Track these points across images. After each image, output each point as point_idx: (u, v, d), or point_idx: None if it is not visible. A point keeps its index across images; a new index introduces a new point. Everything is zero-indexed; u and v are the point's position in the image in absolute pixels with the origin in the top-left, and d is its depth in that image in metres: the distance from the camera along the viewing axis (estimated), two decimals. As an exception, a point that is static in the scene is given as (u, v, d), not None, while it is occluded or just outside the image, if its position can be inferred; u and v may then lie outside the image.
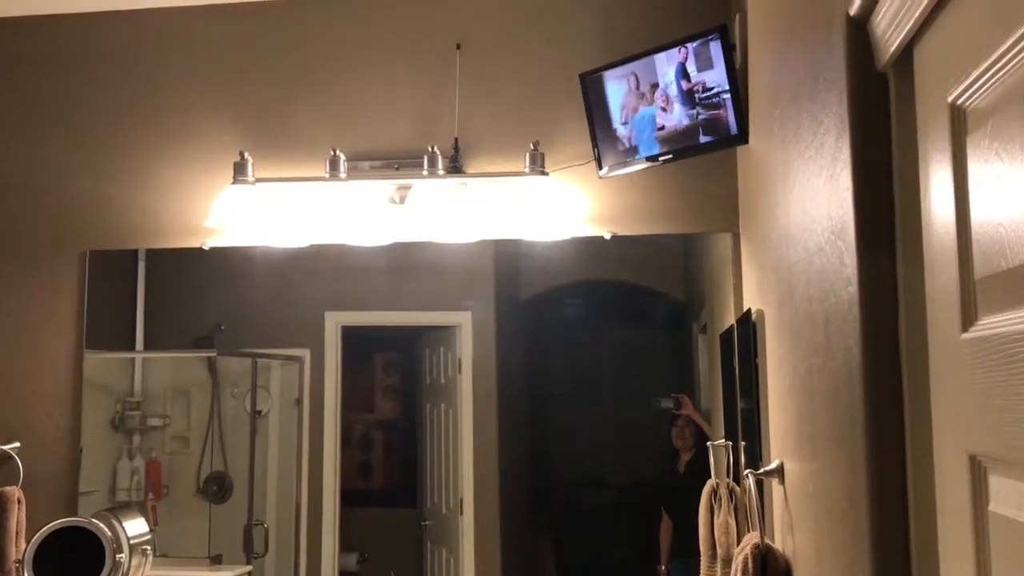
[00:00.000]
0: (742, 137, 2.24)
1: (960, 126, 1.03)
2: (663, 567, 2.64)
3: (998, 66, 0.92)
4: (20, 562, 2.49)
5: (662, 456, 2.74)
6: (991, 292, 0.97)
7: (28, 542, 2.52)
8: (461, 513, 2.73)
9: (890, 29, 1.17)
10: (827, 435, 1.47)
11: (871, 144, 1.23)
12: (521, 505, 2.82)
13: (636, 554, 2.72)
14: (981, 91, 0.97)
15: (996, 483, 0.98)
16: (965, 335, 1.03)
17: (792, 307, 1.73)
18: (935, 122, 1.10)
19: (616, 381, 2.86)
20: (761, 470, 2.01)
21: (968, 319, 1.02)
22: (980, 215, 0.99)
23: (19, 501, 2.62)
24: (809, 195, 1.55)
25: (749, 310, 2.26)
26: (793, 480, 1.81)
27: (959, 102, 1.03)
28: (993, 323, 0.96)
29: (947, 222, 1.06)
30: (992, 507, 0.99)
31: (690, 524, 2.47)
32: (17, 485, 2.65)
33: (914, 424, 1.17)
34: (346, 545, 2.76)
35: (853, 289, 1.26)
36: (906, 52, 1.17)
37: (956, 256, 1.04)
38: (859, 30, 1.26)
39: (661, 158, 2.37)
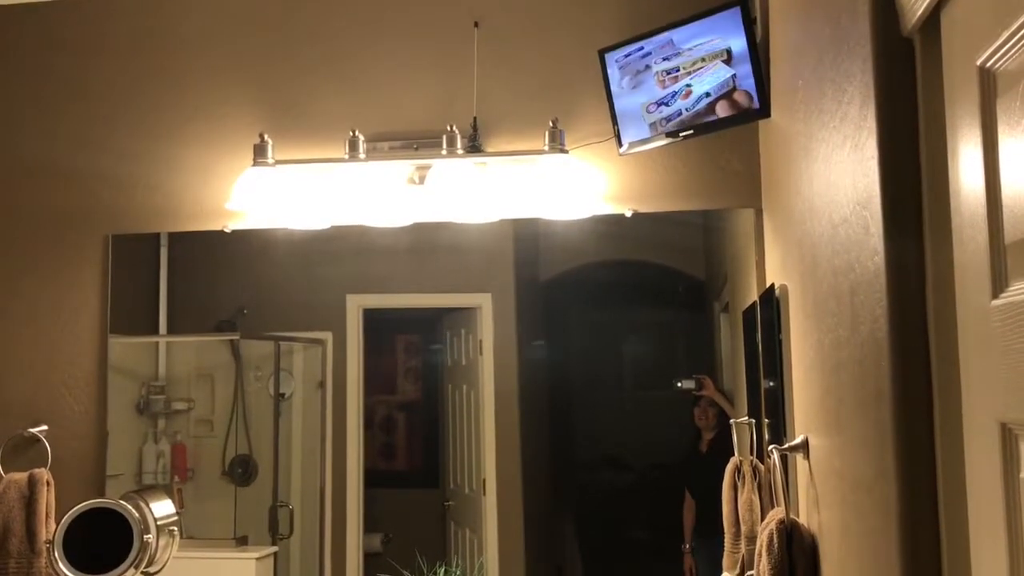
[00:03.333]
0: (764, 111, 2.21)
1: (990, 89, 1.01)
2: (687, 546, 2.64)
3: (1029, 25, 0.90)
4: (50, 543, 2.52)
5: (684, 436, 2.73)
6: (1023, 257, 0.96)
7: (57, 523, 2.55)
8: (484, 493, 2.74)
9: (916, -7, 1.15)
10: (853, 407, 1.45)
11: (897, 110, 1.21)
12: (544, 485, 2.82)
13: (659, 534, 2.72)
14: (1012, 52, 0.96)
15: (1028, 450, 0.97)
16: (995, 301, 1.01)
17: (816, 280, 1.72)
18: (963, 86, 1.08)
19: (637, 361, 2.85)
20: (786, 445, 2.00)
21: (999, 285, 1.01)
22: (1011, 178, 0.97)
23: (48, 483, 2.64)
24: (833, 166, 1.53)
25: (772, 285, 2.24)
26: (818, 455, 1.80)
27: (988, 64, 1.01)
28: (1024, 288, 0.95)
29: (976, 186, 1.04)
30: (1024, 475, 0.98)
31: (713, 504, 2.47)
32: (46, 467, 2.68)
33: (942, 393, 1.16)
34: (370, 526, 2.77)
35: (879, 259, 1.25)
36: (933, 16, 1.15)
37: (986, 221, 1.02)
38: (884, -5, 1.24)
39: (682, 134, 2.34)
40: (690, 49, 2.28)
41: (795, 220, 1.95)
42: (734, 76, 2.22)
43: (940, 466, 1.16)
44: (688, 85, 2.29)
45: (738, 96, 2.23)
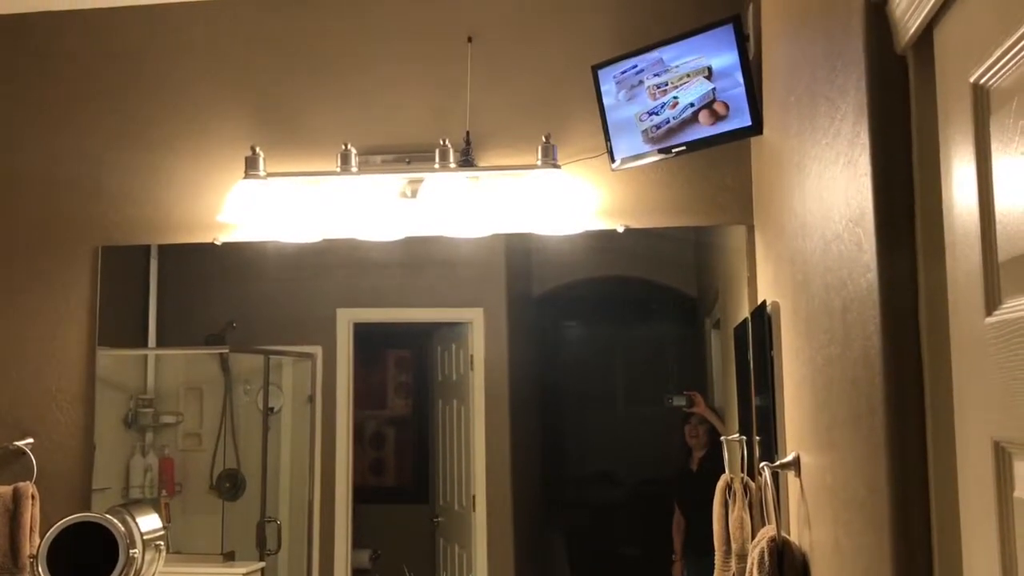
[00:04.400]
0: (756, 128, 2.22)
1: (983, 106, 1.01)
2: (675, 564, 2.62)
3: None
4: (34, 557, 2.49)
5: (675, 453, 2.72)
6: (1016, 274, 0.95)
7: (42, 537, 2.52)
8: (474, 509, 2.72)
9: (909, 11, 1.16)
10: (846, 425, 1.45)
11: (890, 127, 1.21)
12: (534, 502, 2.81)
13: (649, 551, 2.71)
14: (1005, 69, 0.96)
15: (1022, 469, 0.96)
16: (989, 319, 1.01)
17: (808, 297, 1.72)
18: (956, 103, 1.08)
19: (628, 378, 2.84)
20: (777, 463, 1.99)
21: (992, 302, 1.01)
22: (1004, 195, 0.97)
23: (33, 497, 2.62)
24: (826, 183, 1.53)
25: (764, 302, 2.24)
26: (810, 472, 1.79)
27: (982, 81, 1.01)
28: (1018, 306, 0.95)
29: (969, 203, 1.04)
30: (1018, 493, 0.97)
31: (703, 521, 2.46)
32: (31, 481, 2.65)
33: (935, 411, 1.15)
34: (358, 542, 2.75)
35: (872, 275, 1.25)
36: (926, 34, 1.16)
37: (979, 238, 1.02)
38: (877, 13, 1.24)
39: (674, 150, 2.35)
40: (677, 66, 2.34)
41: (787, 237, 1.95)
42: (714, 89, 2.28)
43: (933, 484, 1.15)
44: (675, 97, 2.33)
45: (717, 107, 2.29)
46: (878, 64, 1.23)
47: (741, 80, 2.21)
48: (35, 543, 2.57)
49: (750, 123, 2.22)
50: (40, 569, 2.46)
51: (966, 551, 1.10)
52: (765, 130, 2.21)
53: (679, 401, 2.63)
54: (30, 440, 2.75)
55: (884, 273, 1.22)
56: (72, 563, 2.49)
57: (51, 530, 2.49)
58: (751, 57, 2.26)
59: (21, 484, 2.63)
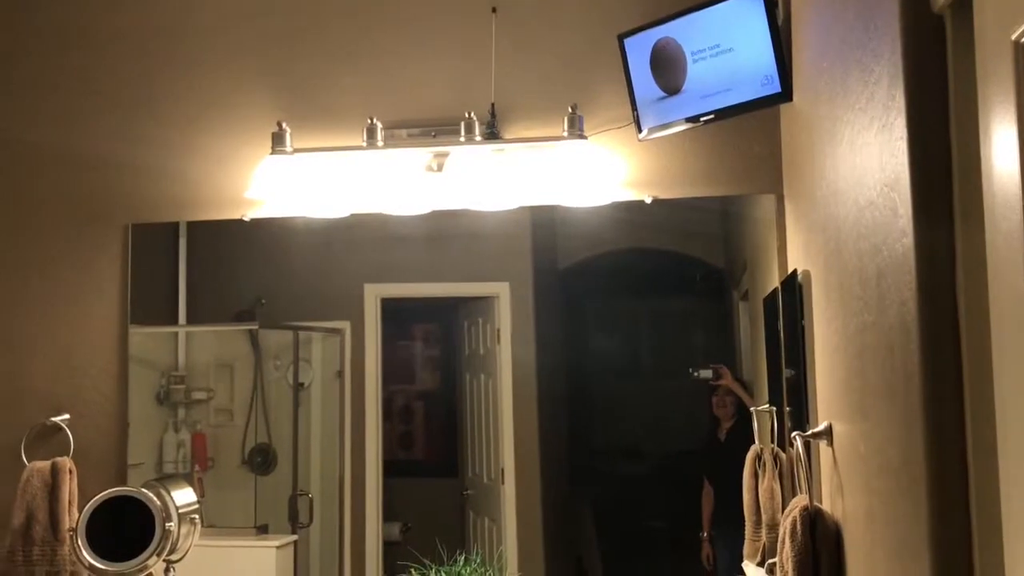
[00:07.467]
0: (786, 95, 2.19)
1: (1025, 64, 0.99)
2: (705, 534, 2.63)
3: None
4: (74, 531, 2.53)
5: (703, 425, 2.72)
6: (1059, 236, 0.94)
7: (80, 511, 2.56)
8: (503, 482, 2.74)
9: (947, -32, 1.13)
10: (880, 393, 1.43)
11: (927, 89, 1.19)
12: (562, 474, 2.81)
13: (678, 522, 2.71)
14: (1048, 26, 0.93)
15: (1064, 434, 0.95)
16: (1030, 282, 0.99)
17: (841, 264, 1.70)
18: (997, 63, 1.06)
19: (655, 350, 2.84)
20: (809, 432, 1.98)
21: (1033, 265, 0.99)
22: (1047, 156, 0.95)
23: (71, 471, 2.66)
24: (859, 148, 1.51)
25: (795, 271, 2.22)
26: (843, 441, 1.78)
27: None
28: (1061, 268, 0.93)
29: (1010, 165, 1.02)
30: (1059, 458, 0.96)
31: (732, 492, 2.46)
32: (68, 456, 2.69)
33: (974, 377, 1.14)
34: (389, 515, 2.78)
35: (908, 240, 1.23)
36: (965, -9, 1.13)
37: (1020, 201, 1.00)
38: (913, -28, 1.21)
39: (702, 118, 2.32)
40: (707, 33, 2.27)
41: (818, 204, 1.93)
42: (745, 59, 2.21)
43: (971, 452, 1.14)
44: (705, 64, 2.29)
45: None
46: (914, 24, 1.21)
47: (771, 46, 2.17)
48: (74, 517, 2.61)
49: (780, 90, 2.18)
50: (79, 542, 2.50)
51: (1006, 521, 1.09)
52: (795, 96, 2.18)
53: (706, 374, 2.62)
54: (66, 416, 2.78)
55: (920, 238, 1.20)
56: (110, 536, 2.53)
57: (89, 504, 2.53)
58: (780, 22, 2.22)
59: (59, 459, 2.67)
